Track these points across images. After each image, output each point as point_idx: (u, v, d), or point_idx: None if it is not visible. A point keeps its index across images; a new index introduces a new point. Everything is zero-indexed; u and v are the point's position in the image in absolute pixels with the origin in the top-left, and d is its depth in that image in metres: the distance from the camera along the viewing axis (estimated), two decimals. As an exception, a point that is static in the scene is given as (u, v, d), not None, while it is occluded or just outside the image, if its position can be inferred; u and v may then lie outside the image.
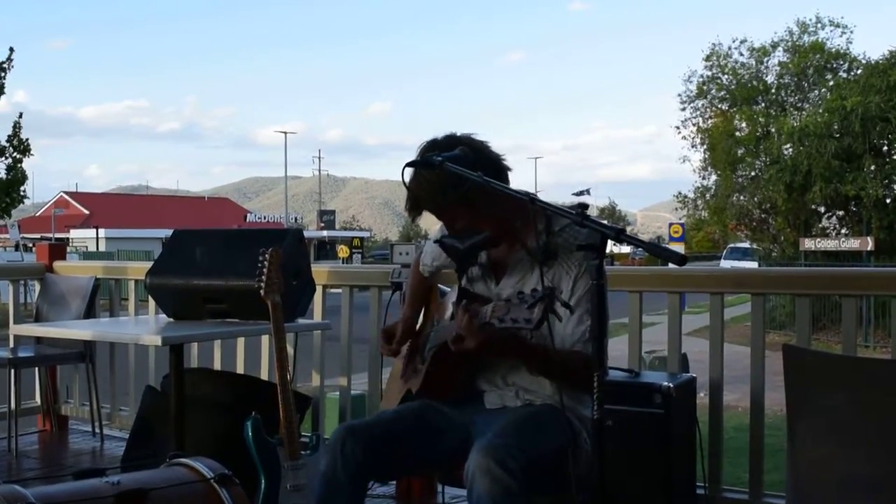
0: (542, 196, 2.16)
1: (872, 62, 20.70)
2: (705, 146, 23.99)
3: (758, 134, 22.31)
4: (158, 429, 3.80)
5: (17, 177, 21.70)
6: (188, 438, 3.27)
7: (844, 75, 22.49)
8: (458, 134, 2.42)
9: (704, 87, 24.05)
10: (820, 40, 22.96)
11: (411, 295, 2.89)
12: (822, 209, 21.35)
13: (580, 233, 2.32)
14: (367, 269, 5.51)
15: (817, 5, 25.35)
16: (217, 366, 4.63)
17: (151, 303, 4.24)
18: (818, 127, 19.53)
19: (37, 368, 5.36)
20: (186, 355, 3.57)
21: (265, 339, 4.19)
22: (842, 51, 22.90)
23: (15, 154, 21.68)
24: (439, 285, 2.97)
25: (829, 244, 19.81)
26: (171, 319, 3.72)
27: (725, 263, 27.75)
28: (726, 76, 23.84)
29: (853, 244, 19.23)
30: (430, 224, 2.63)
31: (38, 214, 57.04)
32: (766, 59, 23.55)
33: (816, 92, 23.15)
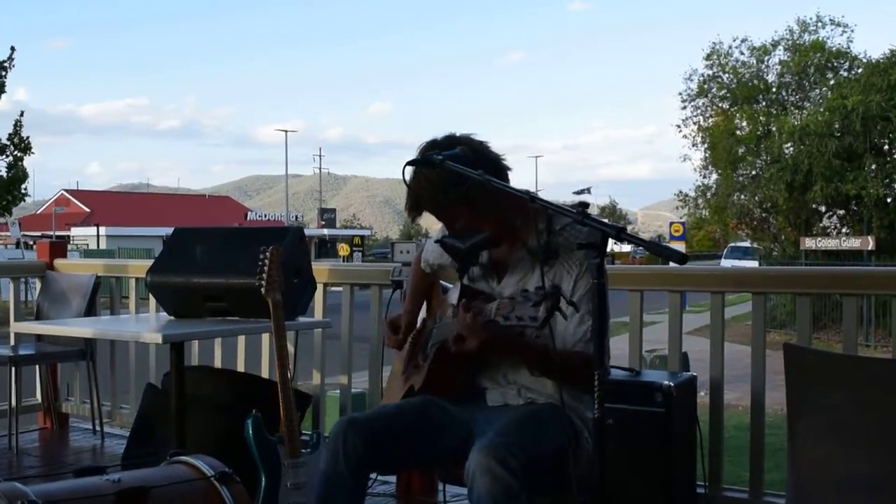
0: (542, 195, 2.16)
1: (873, 61, 20.68)
2: (706, 145, 23.99)
3: (758, 133, 22.31)
4: (159, 427, 3.80)
5: (17, 175, 21.71)
6: (189, 436, 3.27)
7: (845, 74, 22.49)
8: (458, 134, 2.43)
9: (705, 86, 24.05)
10: (820, 39, 22.95)
11: (412, 291, 2.89)
12: (823, 208, 21.35)
13: (581, 231, 2.32)
14: (368, 267, 5.50)
15: (818, 4, 25.38)
16: (218, 364, 4.63)
17: (152, 301, 4.24)
18: (819, 126, 19.52)
19: (37, 366, 5.36)
20: (187, 353, 3.57)
21: (266, 337, 4.19)
22: (842, 50, 22.90)
23: (16, 152, 21.70)
24: (441, 282, 2.97)
25: (829, 243, 19.82)
26: (172, 317, 3.72)
27: (726, 262, 27.75)
28: (727, 75, 23.84)
29: (854, 243, 19.23)
30: (431, 223, 2.63)
31: (38, 212, 57.06)
32: (766, 58, 23.56)
33: (817, 91, 23.15)
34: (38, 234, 38.27)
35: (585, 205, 2.04)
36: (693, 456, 3.33)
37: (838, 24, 23.16)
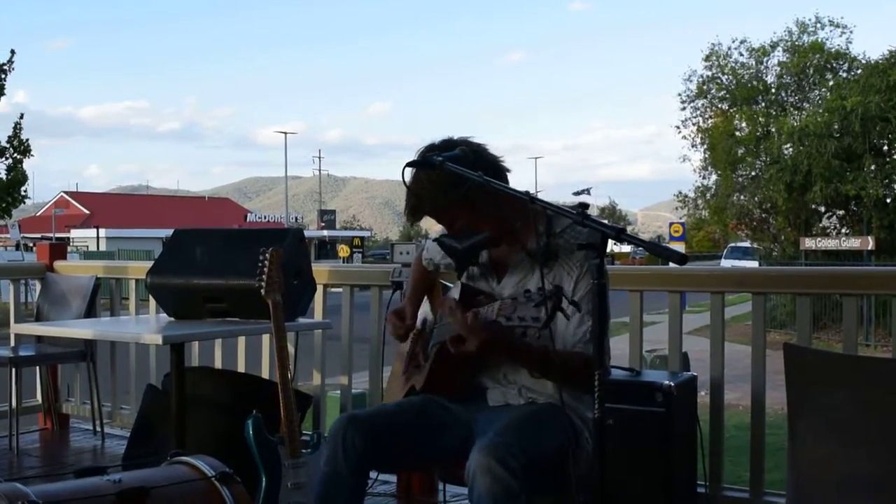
0: (542, 196, 2.16)
1: (872, 62, 20.69)
2: (705, 146, 24.00)
3: (758, 134, 22.31)
4: (159, 427, 3.81)
5: (17, 177, 21.70)
6: (189, 437, 3.27)
7: (844, 75, 22.48)
8: (456, 138, 2.43)
9: (704, 87, 24.06)
10: (819, 40, 22.95)
11: (412, 289, 2.88)
12: (823, 209, 21.35)
13: (581, 233, 2.32)
14: (368, 268, 5.51)
15: (816, 5, 25.37)
16: (218, 365, 4.63)
17: (152, 302, 4.24)
18: (818, 127, 19.53)
19: (38, 367, 5.37)
20: (187, 354, 3.58)
21: (266, 338, 4.20)
22: (841, 51, 22.89)
23: (15, 155, 21.69)
24: (442, 282, 2.97)
25: (829, 243, 19.82)
26: (172, 318, 3.72)
27: (726, 263, 27.76)
28: (726, 76, 23.84)
29: (854, 243, 19.23)
30: (431, 223, 2.63)
31: (38, 214, 57.05)
32: (765, 59, 23.56)
33: (816, 92, 23.14)
34: (38, 236, 38.30)
35: (585, 205, 2.04)
36: (693, 456, 3.33)
37: (837, 25, 23.18)
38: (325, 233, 53.71)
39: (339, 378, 4.43)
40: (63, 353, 5.08)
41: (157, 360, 4.82)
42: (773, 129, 21.86)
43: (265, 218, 60.94)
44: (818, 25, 23.15)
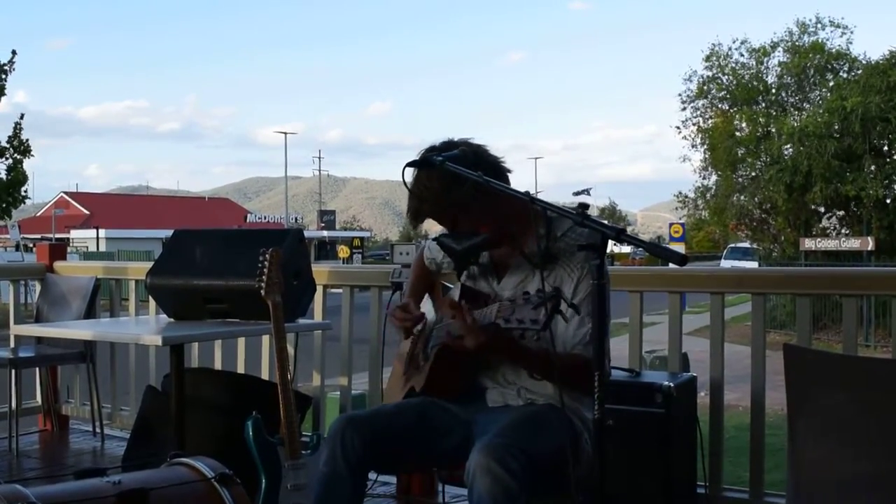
0: (542, 196, 2.16)
1: (872, 62, 20.70)
2: (706, 146, 23.99)
3: (758, 134, 22.31)
4: (159, 428, 3.80)
5: (17, 178, 21.71)
6: (189, 438, 3.27)
7: (845, 76, 22.48)
8: (456, 139, 2.43)
9: (705, 88, 24.05)
10: (820, 41, 22.95)
11: (412, 287, 2.87)
12: (823, 209, 21.36)
13: (581, 234, 2.32)
14: (368, 269, 5.51)
15: (817, 6, 25.37)
16: (218, 366, 4.63)
17: (152, 303, 4.24)
18: (818, 127, 19.54)
19: (37, 368, 5.36)
20: (187, 355, 3.58)
21: (266, 339, 4.20)
22: (842, 51, 22.89)
23: (15, 155, 21.69)
24: (443, 282, 2.97)
25: (829, 244, 19.82)
26: (172, 319, 3.72)
27: (726, 263, 27.78)
28: (726, 76, 23.84)
29: (854, 244, 19.24)
30: (431, 224, 2.63)
31: (38, 215, 57.05)
32: (766, 60, 23.56)
33: (817, 92, 23.14)
34: (38, 236, 38.27)
35: (585, 206, 2.04)
36: (693, 456, 3.33)
37: (838, 26, 23.18)
38: (325, 233, 53.71)
39: (339, 379, 4.43)
40: (63, 354, 5.08)
41: (157, 361, 4.82)
42: (774, 130, 21.86)
43: (265, 218, 60.96)
44: (819, 26, 23.17)
